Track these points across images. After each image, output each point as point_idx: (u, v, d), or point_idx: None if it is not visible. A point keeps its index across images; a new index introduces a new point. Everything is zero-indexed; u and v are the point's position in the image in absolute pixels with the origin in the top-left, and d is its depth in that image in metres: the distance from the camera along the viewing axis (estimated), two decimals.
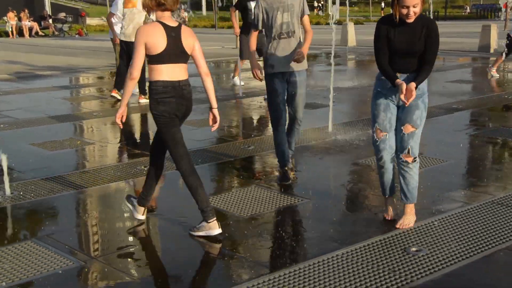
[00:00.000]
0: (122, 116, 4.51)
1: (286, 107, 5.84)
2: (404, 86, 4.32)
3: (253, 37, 5.86)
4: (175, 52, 4.43)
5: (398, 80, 4.39)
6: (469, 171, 6.43)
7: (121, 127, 4.67)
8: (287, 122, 5.90)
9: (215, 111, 4.67)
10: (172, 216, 5.04)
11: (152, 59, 4.40)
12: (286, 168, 5.89)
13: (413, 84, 4.31)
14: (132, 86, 4.41)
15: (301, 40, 5.76)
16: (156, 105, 4.44)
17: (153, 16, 4.57)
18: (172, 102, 4.44)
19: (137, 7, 10.76)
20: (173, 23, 4.46)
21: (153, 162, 4.83)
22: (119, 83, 10.93)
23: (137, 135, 8.83)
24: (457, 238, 4.44)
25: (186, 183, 4.59)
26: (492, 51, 19.36)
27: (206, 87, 4.65)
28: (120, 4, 11.09)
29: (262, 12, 5.64)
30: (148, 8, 4.49)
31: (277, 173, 6.13)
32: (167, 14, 4.46)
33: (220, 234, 4.53)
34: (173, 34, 4.41)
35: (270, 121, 5.90)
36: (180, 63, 4.51)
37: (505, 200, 5.27)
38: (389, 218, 4.84)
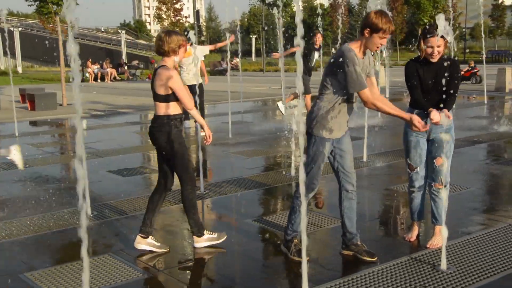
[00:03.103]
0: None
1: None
2: (435, 113, 4.12)
3: (369, 94, 4.08)
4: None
5: (430, 109, 4.19)
6: (490, 197, 6.19)
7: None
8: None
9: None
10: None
11: None
12: (292, 241, 4.43)
13: (446, 111, 4.15)
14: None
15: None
16: None
17: (177, 58, 4.54)
18: None
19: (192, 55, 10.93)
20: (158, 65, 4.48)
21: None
22: None
23: (197, 164, 8.86)
24: (482, 258, 4.25)
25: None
26: (507, 91, 18.85)
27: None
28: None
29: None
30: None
31: (320, 198, 6.01)
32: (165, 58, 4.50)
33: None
34: (153, 75, 4.49)
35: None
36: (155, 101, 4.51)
37: None
38: (411, 240, 4.69)
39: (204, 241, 4.63)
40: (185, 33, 12.66)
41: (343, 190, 4.37)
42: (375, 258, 4.27)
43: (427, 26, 4.35)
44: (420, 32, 4.49)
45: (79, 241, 4.72)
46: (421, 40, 4.31)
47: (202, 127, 4.75)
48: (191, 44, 12.01)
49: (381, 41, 4.00)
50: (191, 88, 11.02)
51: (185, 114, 4.87)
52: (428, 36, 4.23)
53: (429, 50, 4.29)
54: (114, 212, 5.77)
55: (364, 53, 4.13)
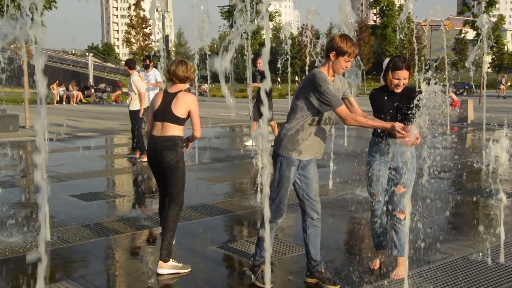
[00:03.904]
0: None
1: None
2: (398, 125, 4.01)
3: (346, 110, 4.15)
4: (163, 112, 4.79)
5: (393, 124, 4.07)
6: (451, 226, 6.30)
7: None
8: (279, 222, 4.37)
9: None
10: (190, 261, 4.94)
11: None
12: (259, 267, 4.39)
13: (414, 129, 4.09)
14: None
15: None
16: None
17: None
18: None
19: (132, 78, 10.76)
20: (173, 90, 4.81)
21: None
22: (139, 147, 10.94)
23: None
24: (444, 286, 4.30)
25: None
26: (469, 122, 19.38)
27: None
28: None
29: None
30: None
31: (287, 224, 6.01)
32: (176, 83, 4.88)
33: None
34: (168, 98, 4.80)
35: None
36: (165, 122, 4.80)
37: (484, 252, 5.12)
38: (374, 268, 4.73)
39: (168, 268, 4.57)
40: (150, 57, 12.69)
41: (308, 218, 4.38)
42: (338, 287, 4.27)
43: (395, 59, 4.46)
44: (387, 61, 4.60)
45: (35, 268, 4.62)
46: (389, 72, 4.42)
47: None
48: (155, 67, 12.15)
49: (346, 64, 4.12)
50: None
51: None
52: (397, 69, 4.37)
53: (396, 82, 4.42)
54: (75, 237, 5.65)
55: (333, 76, 4.22)
